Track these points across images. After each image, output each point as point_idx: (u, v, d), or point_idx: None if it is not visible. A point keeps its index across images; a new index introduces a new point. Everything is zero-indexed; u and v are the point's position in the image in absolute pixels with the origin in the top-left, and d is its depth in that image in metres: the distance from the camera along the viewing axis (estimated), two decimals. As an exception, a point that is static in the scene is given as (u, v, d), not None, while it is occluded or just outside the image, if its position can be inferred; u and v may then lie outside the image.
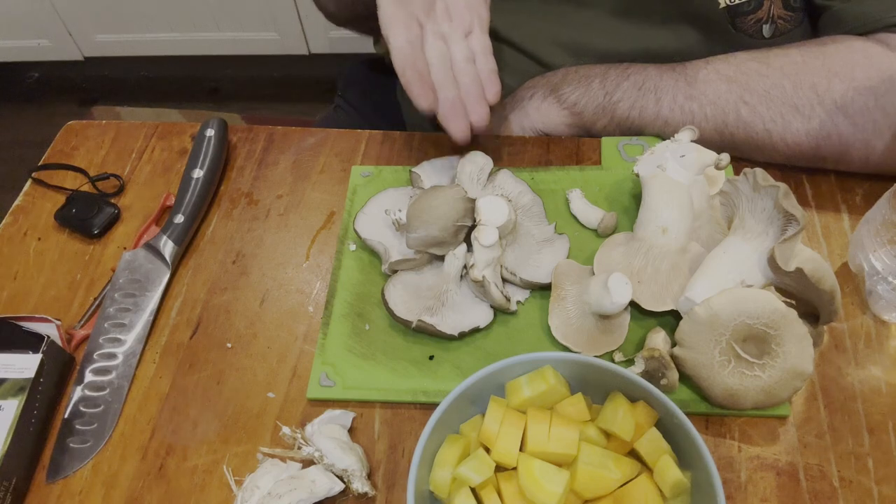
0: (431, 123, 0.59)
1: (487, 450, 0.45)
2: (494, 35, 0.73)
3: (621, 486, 0.44)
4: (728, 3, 0.63)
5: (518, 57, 0.72)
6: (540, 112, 0.66)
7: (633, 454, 0.45)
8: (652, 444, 0.45)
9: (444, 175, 0.61)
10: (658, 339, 0.50)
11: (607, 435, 0.46)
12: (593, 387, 0.47)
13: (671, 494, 0.43)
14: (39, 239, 0.63)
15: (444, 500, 0.45)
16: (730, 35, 0.65)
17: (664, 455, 0.44)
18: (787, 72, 0.59)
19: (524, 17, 0.71)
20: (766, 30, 0.65)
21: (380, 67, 0.95)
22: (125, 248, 0.61)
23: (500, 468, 0.45)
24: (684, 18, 0.66)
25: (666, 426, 0.45)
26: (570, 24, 0.69)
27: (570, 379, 0.48)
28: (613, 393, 0.47)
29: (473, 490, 0.44)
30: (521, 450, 0.45)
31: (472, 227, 0.55)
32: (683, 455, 0.44)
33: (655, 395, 0.45)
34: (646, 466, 0.45)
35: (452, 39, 0.56)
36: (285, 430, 0.49)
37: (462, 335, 0.53)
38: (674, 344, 0.50)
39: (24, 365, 0.51)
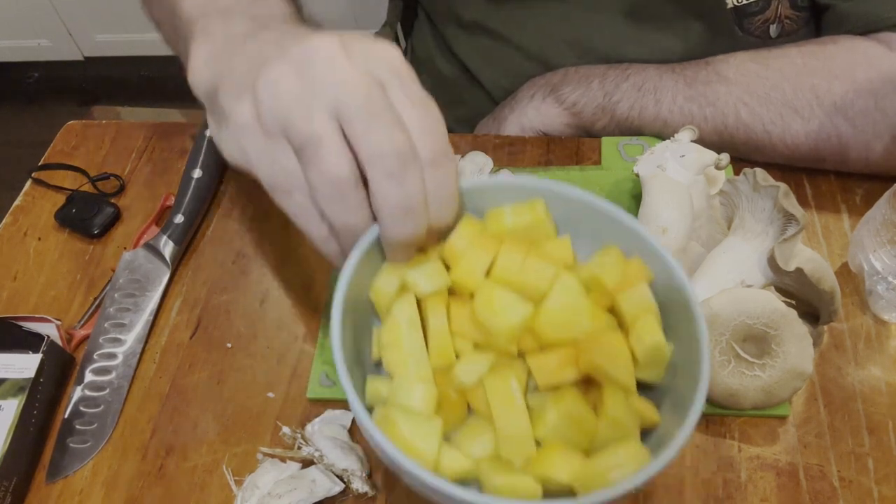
0: None
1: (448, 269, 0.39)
2: (499, 36, 0.73)
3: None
4: (735, 3, 0.63)
5: (521, 58, 0.72)
6: (539, 112, 0.66)
7: (614, 314, 0.39)
8: (637, 299, 0.38)
9: (444, 175, 0.61)
10: (658, 339, 0.50)
11: (589, 289, 0.39)
12: (585, 239, 0.41)
13: (645, 360, 0.37)
14: (39, 239, 0.63)
15: (380, 315, 0.39)
16: (736, 36, 0.65)
17: (648, 314, 0.37)
18: (787, 73, 0.59)
19: (529, 18, 0.71)
20: (773, 30, 0.65)
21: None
22: (125, 248, 0.61)
23: (455, 296, 0.39)
24: (691, 19, 0.65)
25: (660, 293, 0.38)
26: (575, 25, 0.69)
27: (560, 223, 0.41)
28: (608, 245, 0.40)
29: (419, 306, 0.38)
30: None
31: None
32: (672, 330, 0.38)
33: (656, 250, 0.38)
34: (623, 329, 0.38)
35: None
36: (285, 430, 0.49)
37: (462, 335, 0.53)
38: (674, 344, 0.50)
39: (23, 365, 0.51)
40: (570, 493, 0.35)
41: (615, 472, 0.34)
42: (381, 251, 0.38)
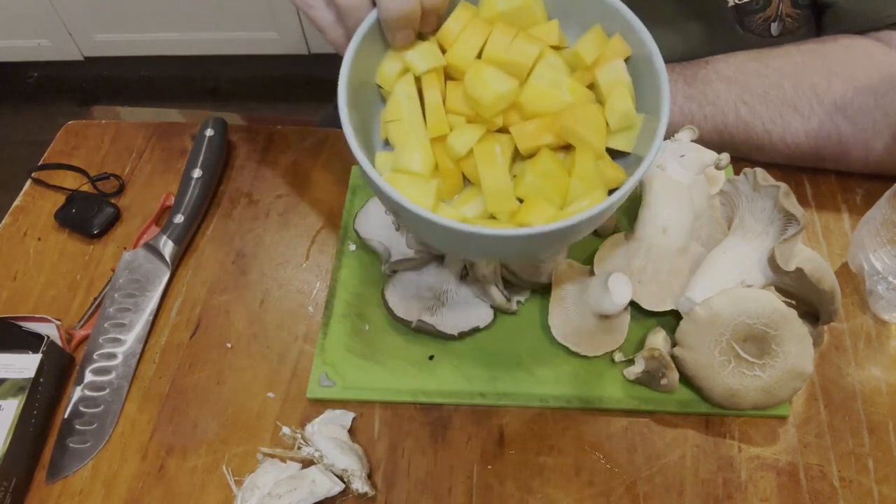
0: None
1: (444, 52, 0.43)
2: None
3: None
4: (736, 1, 0.63)
5: None
6: None
7: (594, 91, 0.43)
8: (614, 73, 0.42)
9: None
10: (658, 339, 0.50)
11: (573, 68, 0.44)
12: (573, 24, 0.44)
13: (617, 127, 0.42)
14: (39, 239, 0.63)
15: (384, 94, 0.44)
16: (737, 34, 0.64)
17: (621, 86, 0.42)
18: (787, 72, 0.59)
19: None
20: (775, 28, 0.64)
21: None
22: (125, 248, 0.61)
23: (451, 80, 0.43)
24: (692, 17, 0.65)
25: (636, 69, 0.43)
26: None
27: (551, 9, 0.45)
28: (593, 27, 0.44)
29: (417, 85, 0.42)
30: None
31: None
32: (644, 101, 0.42)
33: (633, 26, 0.42)
34: (601, 103, 0.43)
35: None
36: (285, 430, 0.49)
37: (462, 335, 0.53)
38: (674, 344, 0.50)
39: (23, 365, 0.51)
40: None
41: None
42: (384, 40, 0.43)
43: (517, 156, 0.44)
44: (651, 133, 0.41)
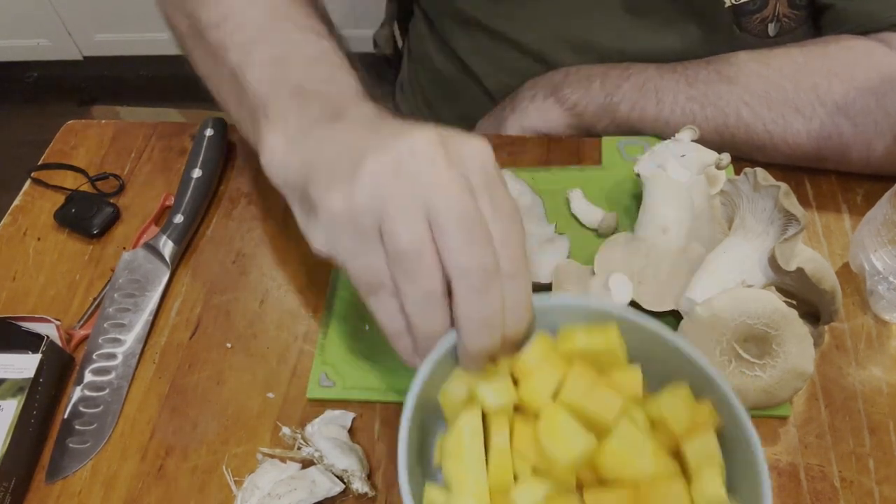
0: None
1: (516, 383, 0.40)
2: (497, 33, 0.73)
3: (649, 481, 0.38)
4: (733, 1, 0.63)
5: (519, 56, 0.72)
6: (540, 113, 0.66)
7: (678, 458, 0.39)
8: (703, 449, 0.38)
9: (445, 175, 0.61)
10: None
11: (655, 427, 0.39)
12: (655, 370, 0.41)
13: None
14: (39, 239, 0.63)
15: (446, 420, 0.40)
16: (734, 35, 0.64)
17: (712, 466, 0.37)
18: (788, 72, 0.59)
19: (527, 15, 0.71)
20: (772, 28, 0.65)
21: (378, 67, 0.95)
22: (125, 248, 0.61)
23: (521, 412, 0.40)
24: (689, 18, 0.65)
25: (726, 441, 0.39)
26: (574, 23, 0.69)
27: (632, 350, 0.41)
28: (677, 382, 0.40)
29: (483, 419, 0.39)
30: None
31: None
32: (735, 481, 0.38)
33: (727, 398, 0.38)
34: (686, 476, 0.38)
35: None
36: (285, 430, 0.48)
37: (462, 335, 0.53)
38: (674, 344, 0.50)
39: (23, 365, 0.51)
40: None
41: None
42: (454, 356, 0.39)
43: None
44: None
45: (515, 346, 0.40)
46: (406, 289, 0.37)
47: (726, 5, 0.63)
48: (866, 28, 0.60)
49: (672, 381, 0.40)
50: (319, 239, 0.40)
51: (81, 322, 0.57)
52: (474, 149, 0.38)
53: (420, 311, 0.37)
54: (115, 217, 0.63)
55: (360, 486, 0.46)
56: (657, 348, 0.40)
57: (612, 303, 0.41)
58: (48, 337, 0.53)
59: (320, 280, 0.59)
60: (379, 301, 0.38)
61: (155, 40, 1.83)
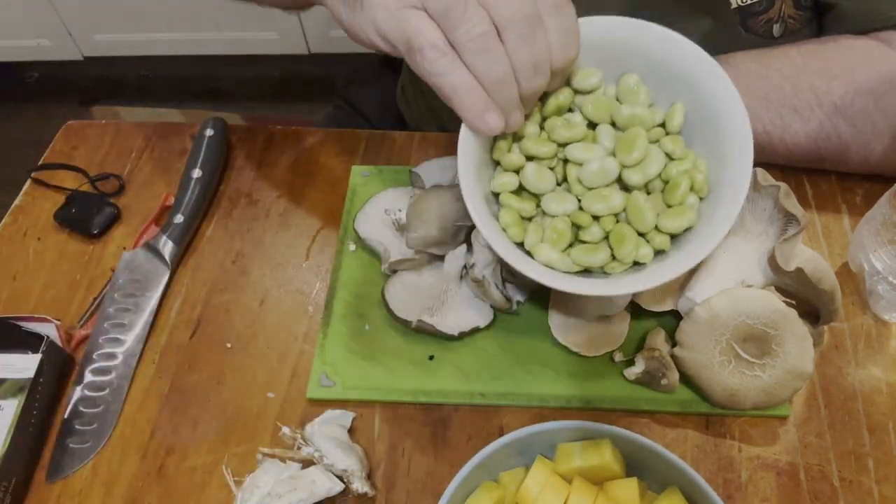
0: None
1: None
2: None
3: None
4: (740, 3, 0.63)
5: None
6: None
7: None
8: None
9: (444, 175, 0.61)
10: (658, 340, 0.50)
11: None
12: (651, 473, 0.45)
13: None
14: (39, 239, 0.63)
15: None
16: (740, 35, 0.64)
17: None
18: (787, 73, 0.59)
19: None
20: (777, 29, 0.64)
21: (380, 66, 0.95)
22: (125, 248, 0.61)
23: None
24: (696, 18, 0.65)
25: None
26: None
27: (627, 458, 0.45)
28: (671, 489, 0.43)
29: None
30: None
31: (472, 228, 0.55)
32: None
33: (713, 500, 0.41)
34: None
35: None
36: (285, 430, 0.49)
37: (462, 335, 0.53)
38: (674, 344, 0.50)
39: (23, 365, 0.51)
40: None
41: None
42: (476, 477, 0.43)
43: None
44: None
45: (564, 75, 0.45)
46: (460, 36, 0.40)
47: (733, 7, 0.63)
48: (868, 26, 0.60)
49: (665, 482, 0.44)
50: (365, 25, 0.43)
51: (82, 322, 0.57)
52: None
53: (481, 54, 0.40)
54: (116, 217, 0.63)
55: (359, 485, 0.46)
56: (651, 459, 0.44)
57: (604, 425, 0.44)
58: (48, 337, 0.53)
59: (320, 280, 0.59)
60: (428, 58, 0.41)
61: (155, 40, 1.83)
